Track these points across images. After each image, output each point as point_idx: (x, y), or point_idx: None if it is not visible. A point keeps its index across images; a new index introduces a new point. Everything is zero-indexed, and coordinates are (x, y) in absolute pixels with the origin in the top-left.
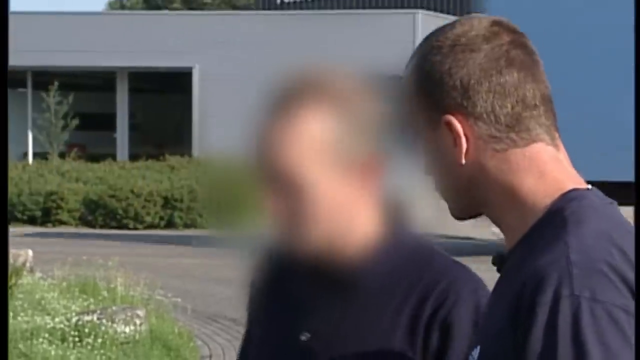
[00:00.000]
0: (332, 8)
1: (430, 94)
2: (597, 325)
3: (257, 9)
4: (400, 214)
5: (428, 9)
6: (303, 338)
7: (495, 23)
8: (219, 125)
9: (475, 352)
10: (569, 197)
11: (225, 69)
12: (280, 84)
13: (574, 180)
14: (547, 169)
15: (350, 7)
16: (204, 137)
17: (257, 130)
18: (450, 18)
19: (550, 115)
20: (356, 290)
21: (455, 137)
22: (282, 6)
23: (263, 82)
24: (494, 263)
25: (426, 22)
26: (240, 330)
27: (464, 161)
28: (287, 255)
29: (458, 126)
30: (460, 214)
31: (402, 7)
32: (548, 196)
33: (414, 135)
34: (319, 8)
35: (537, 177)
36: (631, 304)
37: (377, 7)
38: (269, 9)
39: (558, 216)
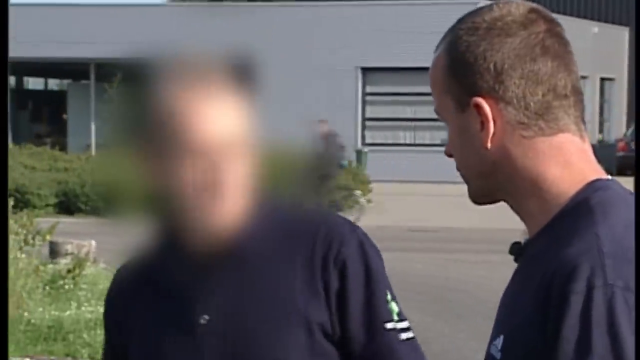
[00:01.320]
0: None
1: (462, 74)
2: (631, 314)
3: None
4: (274, 185)
5: None
6: (202, 321)
7: (533, 10)
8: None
9: (499, 342)
10: (594, 187)
11: (285, 61)
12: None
13: (597, 172)
14: (573, 159)
15: None
16: None
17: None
18: None
19: (579, 106)
20: (245, 263)
21: (484, 120)
22: None
23: (322, 74)
24: (511, 252)
25: None
26: None
27: (489, 145)
28: (174, 239)
29: (487, 110)
30: (479, 198)
31: None
32: (573, 186)
33: (441, 114)
34: None
35: (562, 166)
36: None
37: None
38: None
39: (584, 206)
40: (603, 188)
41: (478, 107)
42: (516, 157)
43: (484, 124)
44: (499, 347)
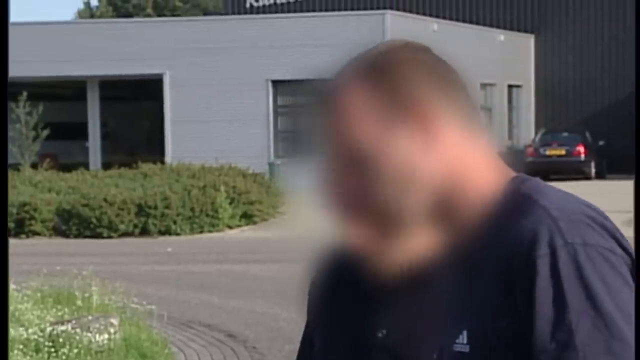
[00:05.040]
0: (301, 11)
1: None
2: (595, 265)
3: (227, 13)
4: None
5: (397, 9)
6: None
7: (380, 55)
8: (190, 131)
9: (463, 337)
10: (516, 181)
11: (196, 75)
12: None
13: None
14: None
15: (319, 10)
16: (176, 143)
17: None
18: (419, 17)
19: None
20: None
21: None
22: (252, 10)
23: (233, 88)
24: None
25: (395, 22)
26: (215, 335)
27: None
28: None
29: None
30: None
31: (371, 8)
32: (489, 190)
33: None
34: (288, 12)
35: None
36: (616, 247)
37: (345, 9)
38: (238, 13)
39: (514, 197)
40: (525, 180)
41: None
42: None
43: None
44: (465, 341)
